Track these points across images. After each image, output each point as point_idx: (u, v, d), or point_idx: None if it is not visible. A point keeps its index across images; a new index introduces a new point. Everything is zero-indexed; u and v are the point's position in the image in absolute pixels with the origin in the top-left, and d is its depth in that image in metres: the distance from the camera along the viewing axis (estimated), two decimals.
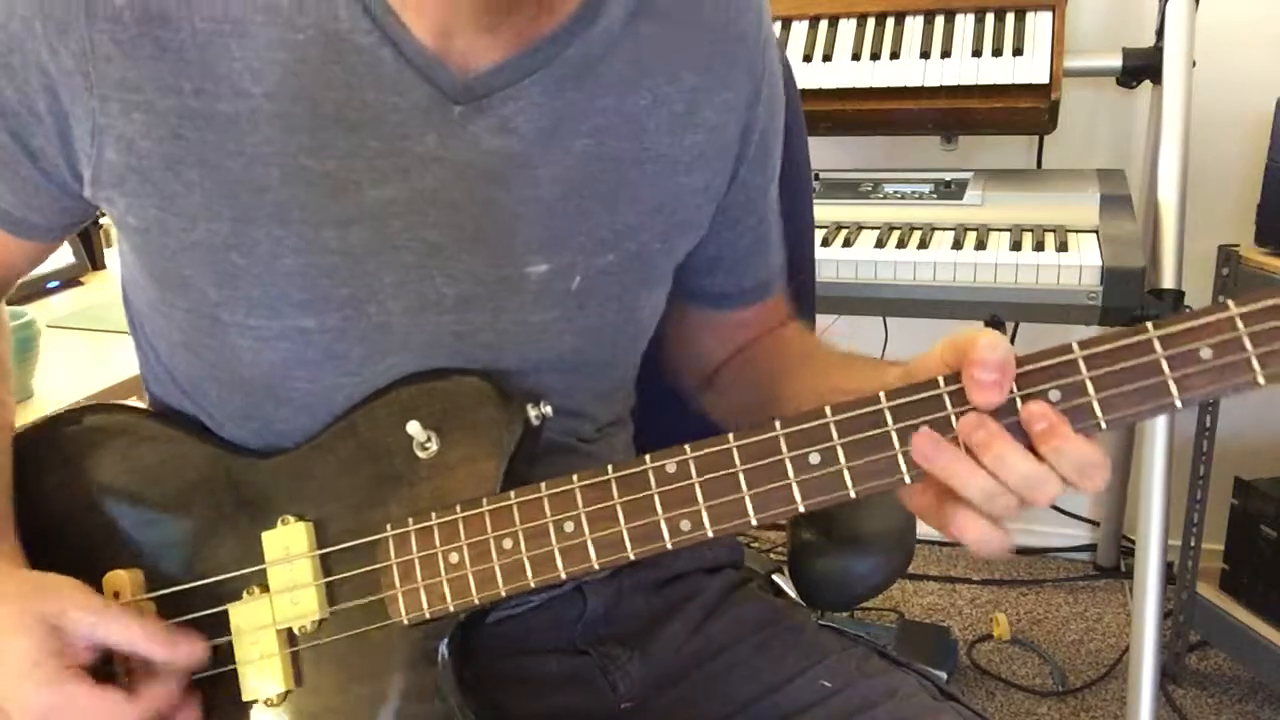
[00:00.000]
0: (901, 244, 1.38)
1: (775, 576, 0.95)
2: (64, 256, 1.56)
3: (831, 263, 1.36)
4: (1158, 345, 0.50)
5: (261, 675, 0.63)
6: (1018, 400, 0.52)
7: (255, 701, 0.64)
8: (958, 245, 1.36)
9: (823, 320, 1.06)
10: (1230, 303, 0.49)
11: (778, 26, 1.58)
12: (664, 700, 0.74)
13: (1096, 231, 1.37)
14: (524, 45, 0.61)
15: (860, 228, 1.45)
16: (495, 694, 0.70)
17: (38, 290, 1.47)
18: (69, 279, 1.55)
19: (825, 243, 1.40)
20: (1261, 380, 0.49)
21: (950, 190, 1.52)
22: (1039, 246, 1.33)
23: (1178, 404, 0.50)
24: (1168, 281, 1.35)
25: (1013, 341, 0.54)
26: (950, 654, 1.74)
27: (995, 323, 1.33)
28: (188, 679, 0.63)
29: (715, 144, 0.68)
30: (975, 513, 0.52)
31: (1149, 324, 0.50)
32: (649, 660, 0.76)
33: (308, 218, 0.60)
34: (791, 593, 0.90)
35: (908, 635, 1.76)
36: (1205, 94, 1.55)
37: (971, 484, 0.51)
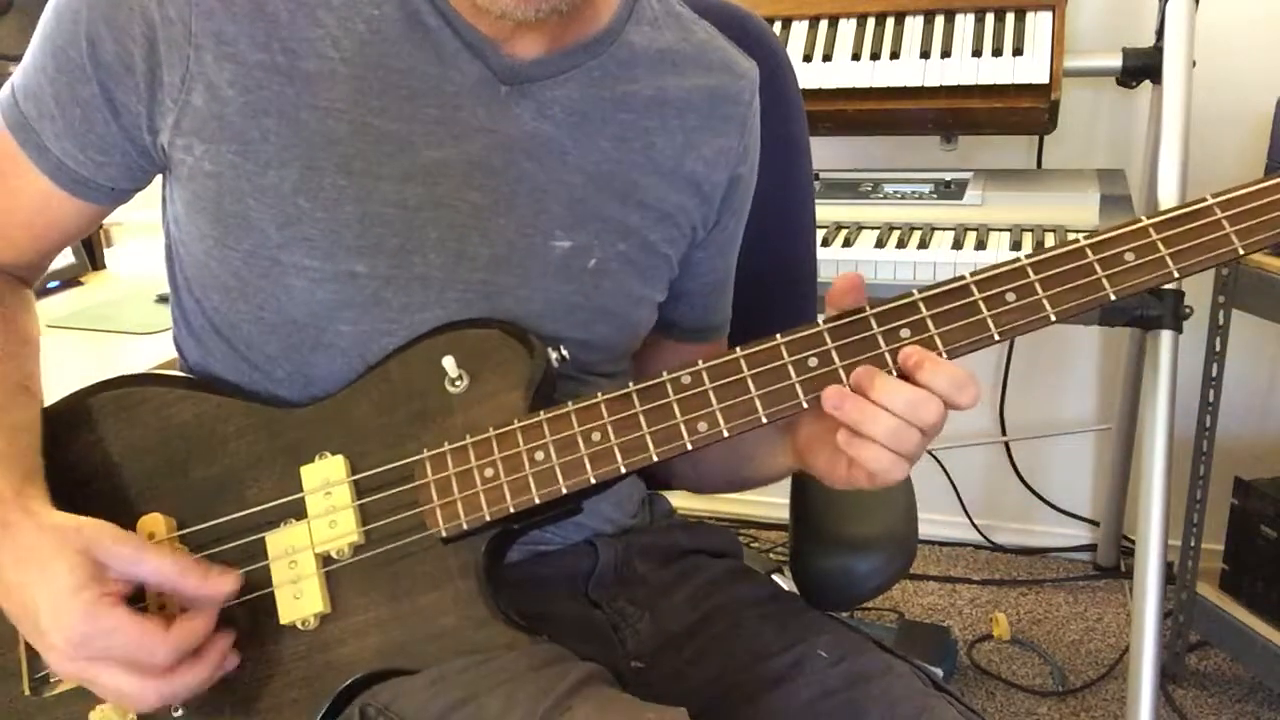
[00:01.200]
0: (901, 244, 1.38)
1: (775, 576, 0.95)
2: (64, 256, 1.56)
3: (831, 263, 1.36)
4: (1089, 252, 0.61)
5: (298, 597, 0.66)
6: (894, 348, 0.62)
7: (292, 624, 0.66)
8: (958, 245, 1.36)
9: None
10: (1143, 216, 0.61)
11: (778, 27, 1.58)
12: (671, 662, 0.77)
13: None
14: (562, 46, 0.70)
15: (860, 228, 1.45)
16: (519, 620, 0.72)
17: (38, 290, 1.47)
18: (69, 279, 1.55)
19: (825, 243, 1.40)
20: (1176, 274, 0.59)
21: (950, 190, 1.52)
22: (1039, 247, 1.32)
23: (1111, 297, 0.60)
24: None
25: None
26: (950, 654, 1.74)
27: None
28: (218, 615, 0.65)
29: (709, 180, 0.77)
30: (878, 445, 0.60)
31: (1080, 236, 0.61)
32: (658, 623, 0.79)
33: (369, 170, 0.66)
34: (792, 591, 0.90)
35: (908, 635, 1.76)
36: (1205, 94, 1.55)
37: (879, 423, 0.60)
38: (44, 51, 0.67)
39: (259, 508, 0.67)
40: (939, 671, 1.63)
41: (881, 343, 0.61)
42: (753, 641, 0.76)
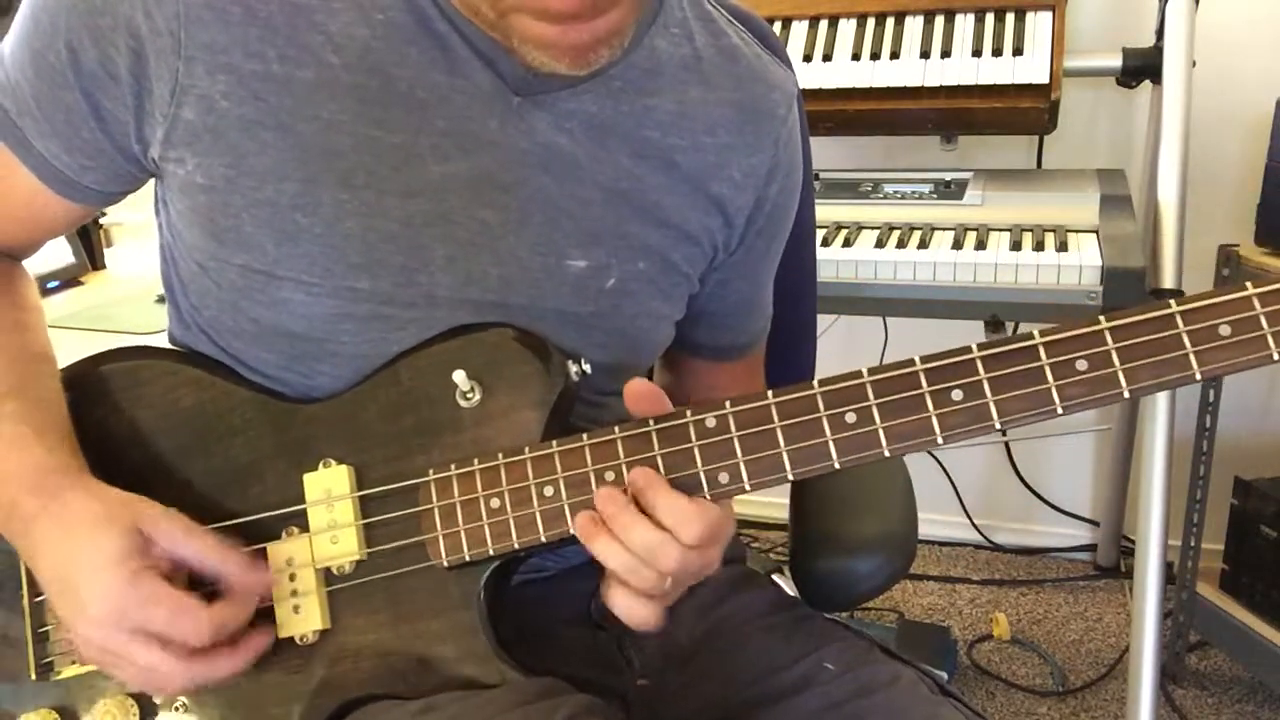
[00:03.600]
0: (901, 244, 1.38)
1: (775, 576, 0.95)
2: (64, 256, 1.56)
3: (831, 263, 1.36)
4: (1180, 321, 0.52)
5: (298, 612, 0.64)
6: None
7: (291, 639, 0.65)
8: (958, 245, 1.35)
9: (823, 320, 1.06)
10: (1249, 284, 0.52)
11: (778, 27, 1.58)
12: (677, 679, 0.76)
13: (1096, 231, 1.37)
14: None
15: (860, 228, 1.45)
16: (520, 657, 0.71)
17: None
18: (69, 279, 1.55)
19: (825, 243, 1.40)
20: (1276, 356, 0.51)
21: (950, 190, 1.52)
22: (1039, 246, 1.33)
23: (1197, 376, 0.52)
24: (1168, 281, 1.35)
25: None
26: (950, 654, 1.74)
27: (995, 323, 1.33)
28: (255, 607, 0.64)
29: (735, 201, 0.73)
30: (624, 586, 0.58)
31: (1171, 300, 0.53)
32: (663, 640, 0.77)
33: (373, 184, 0.63)
34: (792, 593, 0.90)
35: (908, 635, 1.76)
36: (1205, 94, 1.55)
37: (612, 557, 0.57)
38: (22, 51, 0.64)
39: (261, 515, 0.66)
40: (943, 674, 1.63)
41: (929, 404, 0.55)
42: (759, 655, 0.75)
